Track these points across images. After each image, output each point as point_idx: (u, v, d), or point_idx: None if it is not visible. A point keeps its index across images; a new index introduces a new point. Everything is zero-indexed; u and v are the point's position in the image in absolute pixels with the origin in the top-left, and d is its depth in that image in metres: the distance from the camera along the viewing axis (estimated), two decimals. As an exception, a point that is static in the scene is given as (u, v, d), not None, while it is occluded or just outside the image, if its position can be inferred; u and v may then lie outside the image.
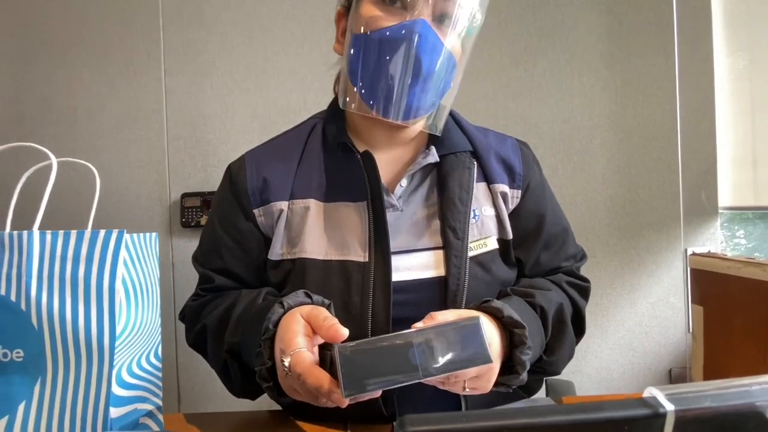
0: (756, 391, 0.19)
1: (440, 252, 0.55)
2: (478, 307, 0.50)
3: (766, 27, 1.28)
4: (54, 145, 1.39)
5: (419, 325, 0.44)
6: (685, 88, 1.40)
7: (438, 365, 0.38)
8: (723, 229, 1.44)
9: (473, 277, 0.54)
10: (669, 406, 0.19)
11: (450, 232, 0.55)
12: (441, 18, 0.50)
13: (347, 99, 0.54)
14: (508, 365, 0.48)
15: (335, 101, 0.62)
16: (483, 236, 0.57)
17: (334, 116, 0.60)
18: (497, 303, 0.49)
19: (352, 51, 0.52)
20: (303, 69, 1.39)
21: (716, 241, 1.41)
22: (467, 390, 0.44)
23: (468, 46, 0.54)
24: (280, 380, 0.46)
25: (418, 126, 0.57)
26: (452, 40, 0.51)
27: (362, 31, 0.51)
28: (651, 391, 0.19)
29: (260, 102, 1.41)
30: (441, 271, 0.55)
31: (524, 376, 0.48)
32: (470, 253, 0.55)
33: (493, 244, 0.58)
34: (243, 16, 1.40)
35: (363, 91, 0.52)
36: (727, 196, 1.41)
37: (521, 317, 0.48)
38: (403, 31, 0.49)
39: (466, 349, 0.39)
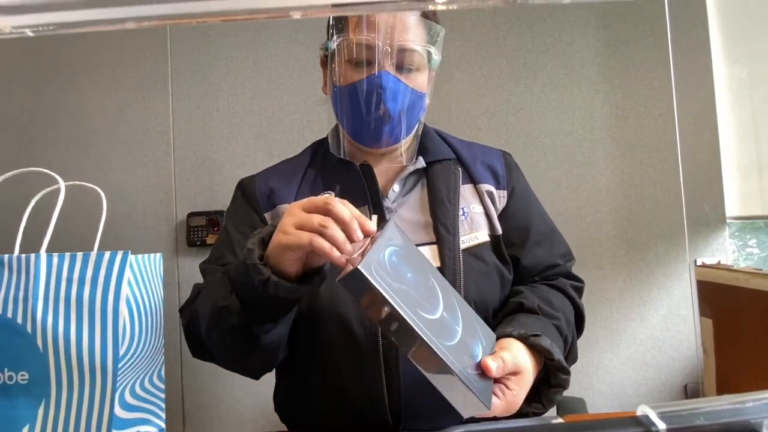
0: (750, 408, 0.19)
1: (435, 247, 0.60)
2: (525, 340, 0.50)
3: (765, 37, 1.29)
4: (63, 168, 1.42)
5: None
6: (685, 99, 1.41)
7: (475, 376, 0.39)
8: (734, 239, 1.42)
9: (468, 267, 0.59)
10: (661, 425, 0.18)
11: (442, 228, 0.60)
12: (401, 68, 0.59)
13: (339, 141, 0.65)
14: (535, 396, 0.50)
15: (335, 125, 0.68)
16: (473, 231, 0.62)
17: (334, 138, 0.67)
18: (546, 342, 0.50)
19: (333, 99, 0.63)
20: (306, 90, 1.42)
21: (727, 251, 1.39)
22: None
23: (431, 77, 0.64)
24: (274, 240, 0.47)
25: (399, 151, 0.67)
26: (415, 80, 0.61)
27: (339, 83, 0.61)
28: (643, 409, 0.19)
29: (265, 123, 1.44)
30: (437, 264, 0.59)
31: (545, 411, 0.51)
32: (462, 246, 0.60)
33: (483, 237, 0.63)
34: (248, 41, 1.45)
35: (347, 128, 0.62)
36: (734, 205, 1.40)
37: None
38: (370, 84, 0.59)
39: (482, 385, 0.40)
